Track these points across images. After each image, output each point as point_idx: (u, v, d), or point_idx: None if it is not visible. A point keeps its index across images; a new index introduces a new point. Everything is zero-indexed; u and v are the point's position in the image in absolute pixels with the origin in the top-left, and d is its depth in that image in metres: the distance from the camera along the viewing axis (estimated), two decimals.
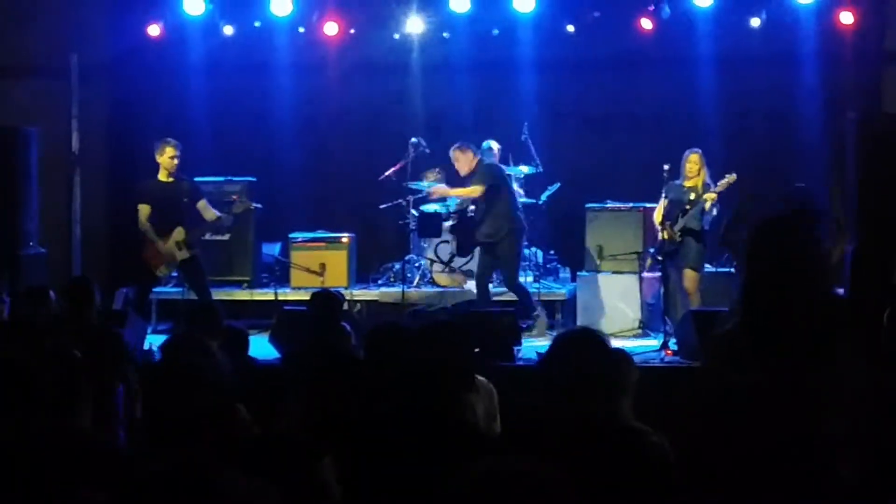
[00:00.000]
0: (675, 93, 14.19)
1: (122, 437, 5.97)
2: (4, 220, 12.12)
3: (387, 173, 13.35)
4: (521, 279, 13.02)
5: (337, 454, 4.53)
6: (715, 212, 11.62)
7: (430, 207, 13.28)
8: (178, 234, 11.65)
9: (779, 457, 3.93)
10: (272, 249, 14.12)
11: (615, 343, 4.67)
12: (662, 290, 11.73)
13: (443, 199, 13.17)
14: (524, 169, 13.51)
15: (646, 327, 12.21)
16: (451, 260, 13.23)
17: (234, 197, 13.01)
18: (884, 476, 4.01)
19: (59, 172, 13.91)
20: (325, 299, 8.32)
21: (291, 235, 13.79)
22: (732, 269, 12.64)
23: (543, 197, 13.56)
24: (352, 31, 14.20)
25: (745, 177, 11.75)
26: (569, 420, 4.06)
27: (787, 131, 14.00)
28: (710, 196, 11.47)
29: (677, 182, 11.73)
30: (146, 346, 10.05)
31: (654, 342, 11.35)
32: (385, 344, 6.03)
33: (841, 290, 10.18)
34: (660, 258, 11.72)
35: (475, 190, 12.18)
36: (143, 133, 13.52)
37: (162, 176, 11.76)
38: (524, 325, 11.50)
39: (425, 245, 13.58)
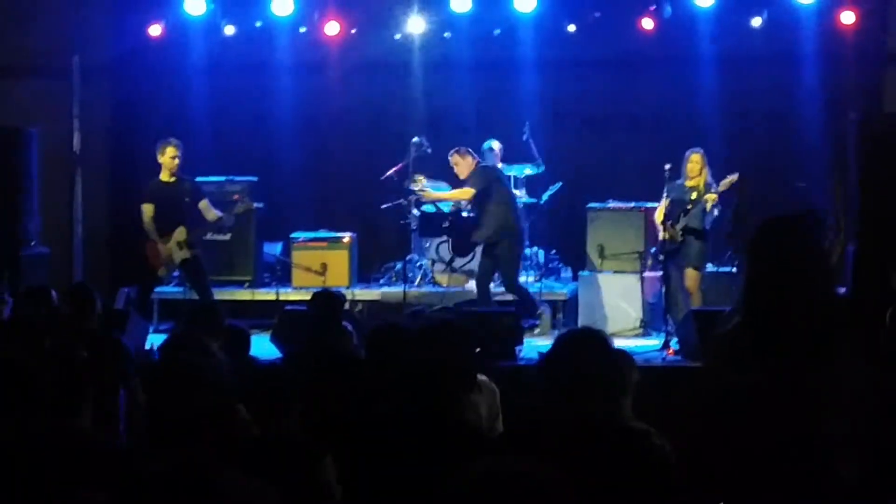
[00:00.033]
0: (677, 92, 14.18)
1: (123, 439, 5.96)
2: (6, 219, 12.11)
3: (388, 173, 13.34)
4: (523, 279, 13.03)
5: (337, 454, 4.54)
6: (716, 212, 11.63)
7: (430, 207, 13.28)
8: (180, 233, 11.66)
9: (779, 457, 3.93)
10: (274, 249, 14.12)
11: (617, 343, 4.67)
12: (664, 290, 11.72)
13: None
14: (528, 171, 13.52)
15: (647, 327, 12.21)
16: (452, 260, 13.22)
17: (236, 197, 13.01)
18: (884, 476, 4.00)
19: (61, 172, 13.92)
20: (327, 299, 8.31)
21: (293, 235, 13.79)
22: (734, 269, 12.63)
23: (545, 197, 13.55)
24: (353, 30, 14.20)
25: (747, 177, 11.74)
26: (570, 420, 4.07)
27: (787, 131, 13.99)
28: (711, 197, 11.47)
29: (679, 182, 11.73)
30: (147, 346, 10.05)
31: (655, 342, 11.37)
32: (386, 344, 6.04)
33: (842, 290, 10.18)
34: (661, 257, 11.72)
35: (465, 193, 12.28)
36: (144, 133, 13.52)
37: (164, 176, 11.76)
38: (527, 325, 11.51)
39: (426, 245, 13.57)
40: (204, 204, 11.87)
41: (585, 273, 12.91)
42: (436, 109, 14.51)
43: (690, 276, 11.67)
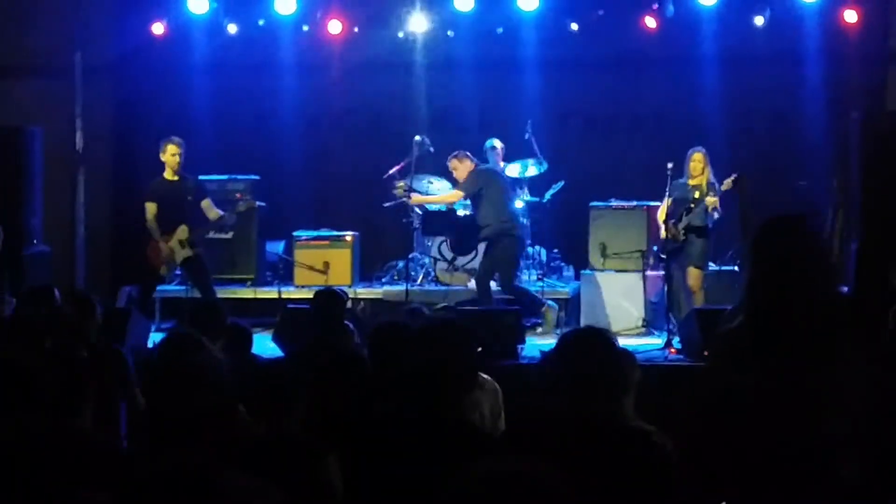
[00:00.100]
0: (679, 91, 14.18)
1: (124, 442, 5.96)
2: (8, 218, 12.12)
3: (391, 171, 13.35)
4: (525, 277, 13.04)
5: (338, 453, 4.53)
6: (716, 215, 11.64)
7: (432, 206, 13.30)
8: (182, 232, 11.66)
9: (780, 456, 3.92)
10: (276, 247, 14.12)
11: (619, 342, 4.65)
12: (666, 289, 11.72)
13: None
14: (532, 166, 13.53)
15: (649, 326, 12.20)
16: (454, 258, 13.23)
17: (238, 195, 13.03)
18: (885, 476, 4.00)
19: (63, 171, 13.93)
20: (329, 297, 8.30)
21: (295, 233, 13.79)
22: (736, 267, 12.63)
23: (547, 195, 13.56)
24: (355, 29, 14.20)
25: (747, 176, 11.74)
26: (572, 419, 4.06)
27: (790, 130, 13.98)
28: (712, 200, 11.49)
29: (681, 181, 11.74)
30: (150, 345, 10.05)
31: (657, 341, 11.35)
32: (388, 343, 6.03)
33: (844, 289, 10.17)
34: (663, 256, 11.72)
35: (452, 196, 12.38)
36: (146, 132, 13.53)
37: (167, 174, 11.77)
38: (528, 324, 11.50)
39: (429, 243, 13.57)
40: (206, 203, 11.87)
41: (587, 272, 12.90)
42: (438, 108, 14.51)
43: (693, 275, 11.67)
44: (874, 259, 10.77)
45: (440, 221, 13.24)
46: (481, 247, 12.50)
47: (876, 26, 13.58)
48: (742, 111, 14.08)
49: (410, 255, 13.49)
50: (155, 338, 10.39)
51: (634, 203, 13.04)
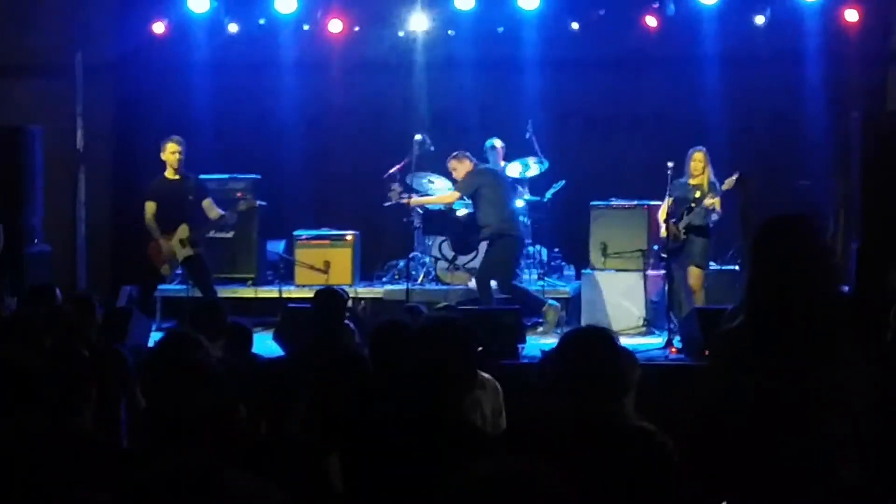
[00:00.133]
0: (680, 91, 14.17)
1: (124, 442, 5.96)
2: (9, 218, 12.12)
3: (391, 171, 13.34)
4: (526, 276, 13.03)
5: (339, 453, 4.54)
6: (715, 217, 11.64)
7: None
8: (183, 231, 11.66)
9: (780, 456, 3.92)
10: (277, 247, 14.12)
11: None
12: (667, 288, 11.72)
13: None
14: (533, 164, 13.53)
15: (650, 325, 12.19)
16: (455, 258, 13.22)
17: (239, 194, 13.02)
18: (885, 476, 4.00)
19: (64, 171, 13.94)
20: (329, 297, 8.30)
21: (296, 233, 13.79)
22: (737, 266, 12.62)
23: (548, 195, 13.55)
24: (356, 28, 14.21)
25: (749, 175, 11.74)
26: (572, 419, 4.06)
27: (790, 130, 13.97)
28: (714, 201, 11.49)
29: (682, 180, 11.74)
30: (150, 345, 10.05)
31: (658, 340, 11.35)
32: (389, 342, 6.03)
33: (845, 289, 10.17)
34: (664, 256, 11.72)
35: (449, 197, 12.42)
36: (147, 131, 13.53)
37: (168, 174, 11.77)
38: (529, 323, 11.50)
39: (429, 242, 13.57)
40: (207, 202, 11.87)
41: (588, 271, 12.90)
42: (439, 108, 14.51)
43: (693, 274, 11.68)
44: (874, 259, 10.76)
45: (441, 221, 13.24)
46: (482, 246, 12.50)
47: (876, 26, 13.58)
48: (742, 111, 14.07)
49: (411, 255, 13.48)
50: (155, 337, 10.39)
51: (635, 202, 13.03)
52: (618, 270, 12.73)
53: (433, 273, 13.52)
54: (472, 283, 12.79)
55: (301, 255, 13.65)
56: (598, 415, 4.06)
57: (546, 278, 13.05)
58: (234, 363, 6.04)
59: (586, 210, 13.13)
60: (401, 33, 14.25)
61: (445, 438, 4.43)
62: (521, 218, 12.87)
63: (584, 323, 11.67)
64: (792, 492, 3.93)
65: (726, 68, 13.86)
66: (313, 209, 14.61)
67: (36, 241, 12.67)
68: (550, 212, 13.64)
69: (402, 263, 13.56)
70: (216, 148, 13.97)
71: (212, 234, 12.61)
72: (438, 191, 13.40)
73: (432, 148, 13.21)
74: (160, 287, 12.55)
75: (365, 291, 13.32)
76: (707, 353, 8.28)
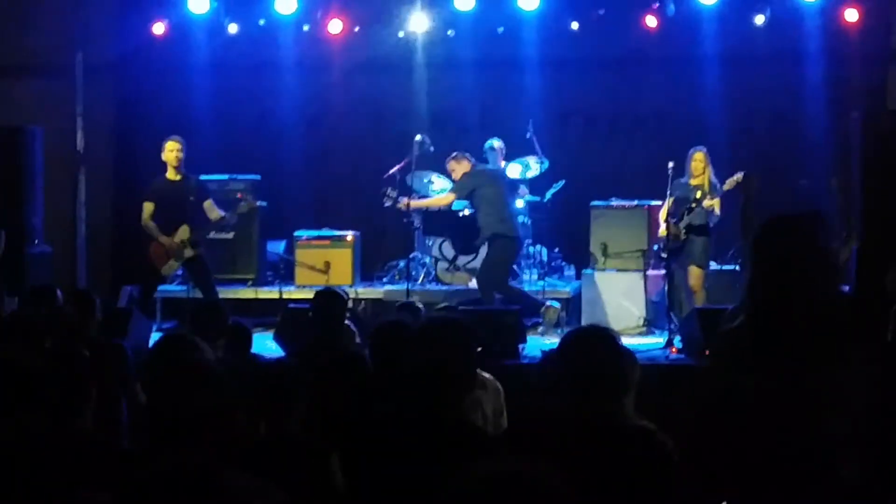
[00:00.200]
0: (680, 91, 14.18)
1: (125, 442, 5.96)
2: (9, 218, 12.12)
3: (391, 171, 13.34)
4: (526, 277, 13.03)
5: (339, 453, 4.54)
6: (715, 218, 11.64)
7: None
8: (183, 231, 11.65)
9: (781, 456, 3.92)
10: (277, 247, 14.12)
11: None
12: (667, 288, 11.72)
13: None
14: (533, 163, 13.53)
15: (650, 325, 12.20)
16: (455, 258, 13.22)
17: (239, 195, 13.01)
18: (885, 476, 4.00)
19: (64, 171, 13.94)
20: (329, 297, 8.30)
21: (296, 233, 13.79)
22: (737, 266, 12.63)
23: (548, 195, 13.55)
24: (356, 29, 14.21)
25: (752, 174, 11.74)
26: (573, 418, 4.06)
27: (791, 129, 13.98)
28: (713, 203, 11.49)
29: (683, 180, 11.75)
30: (150, 345, 10.04)
31: (659, 340, 11.35)
32: (389, 343, 6.03)
33: (846, 289, 10.17)
34: (664, 255, 11.72)
35: (445, 199, 12.46)
36: (147, 131, 13.53)
37: (169, 174, 11.76)
38: (529, 323, 11.50)
39: (430, 243, 13.57)
40: (208, 203, 11.86)
41: (588, 271, 12.90)
42: (439, 108, 14.51)
43: (694, 274, 11.68)
44: (874, 259, 10.75)
45: (441, 221, 13.24)
46: (484, 246, 12.50)
47: (877, 25, 13.58)
48: (742, 111, 14.08)
49: (411, 255, 13.48)
50: (156, 338, 10.39)
51: (635, 202, 13.03)
52: (618, 270, 12.74)
53: (433, 273, 13.52)
54: (473, 284, 12.80)
55: (301, 255, 13.65)
56: (599, 415, 4.06)
57: (546, 278, 13.05)
58: (234, 363, 6.03)
59: (586, 210, 13.13)
60: (401, 33, 14.25)
61: (445, 438, 4.43)
62: (521, 218, 12.88)
63: (584, 323, 11.67)
64: (792, 492, 3.93)
65: (726, 68, 13.86)
66: (313, 210, 14.61)
67: (36, 241, 12.66)
68: (550, 212, 13.64)
69: (402, 264, 13.56)
70: (216, 148, 13.96)
71: (212, 234, 12.60)
72: (438, 191, 13.40)
73: (432, 148, 13.19)
74: (160, 287, 12.55)
75: (365, 292, 13.31)
76: (707, 352, 8.30)
